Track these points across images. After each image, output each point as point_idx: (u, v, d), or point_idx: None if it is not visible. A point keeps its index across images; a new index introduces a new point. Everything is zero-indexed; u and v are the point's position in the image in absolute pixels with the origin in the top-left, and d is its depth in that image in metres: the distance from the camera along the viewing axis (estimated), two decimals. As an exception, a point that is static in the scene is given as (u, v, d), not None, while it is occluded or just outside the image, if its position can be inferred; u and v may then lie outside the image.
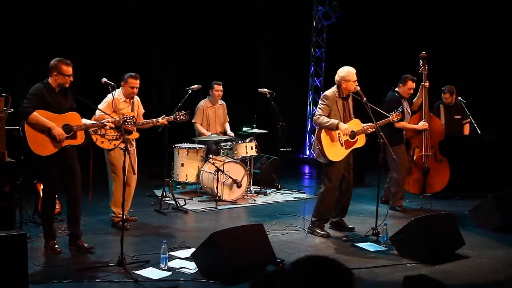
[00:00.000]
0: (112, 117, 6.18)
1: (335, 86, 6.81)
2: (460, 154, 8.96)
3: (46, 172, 5.87)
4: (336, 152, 6.71)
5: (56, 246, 5.89)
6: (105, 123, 6.10)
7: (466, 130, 9.41)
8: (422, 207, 8.31)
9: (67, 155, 5.85)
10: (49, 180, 5.91)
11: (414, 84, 8.10)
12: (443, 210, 7.62)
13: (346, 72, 6.74)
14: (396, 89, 8.20)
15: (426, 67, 8.10)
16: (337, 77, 6.79)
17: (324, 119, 6.67)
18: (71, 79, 5.80)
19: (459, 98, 9.38)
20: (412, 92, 8.15)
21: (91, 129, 6.24)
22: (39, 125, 5.62)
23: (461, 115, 9.38)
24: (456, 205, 8.59)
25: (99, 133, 6.39)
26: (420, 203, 8.40)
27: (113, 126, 6.19)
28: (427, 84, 8.12)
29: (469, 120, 9.34)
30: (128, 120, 6.35)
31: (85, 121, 6.01)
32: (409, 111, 8.22)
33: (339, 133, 6.70)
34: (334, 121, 6.62)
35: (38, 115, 5.62)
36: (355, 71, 6.75)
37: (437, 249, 5.95)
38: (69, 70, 5.78)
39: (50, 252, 5.83)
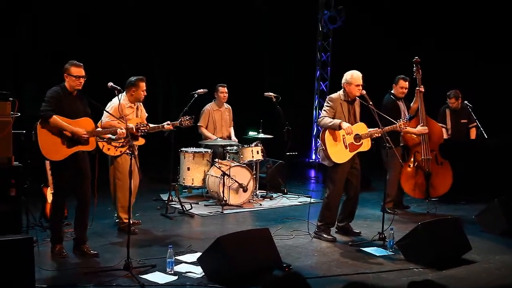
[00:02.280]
0: (124, 123, 6.11)
1: (342, 89, 6.83)
2: (466, 158, 8.94)
3: (58, 177, 5.88)
4: (340, 154, 6.71)
5: (63, 250, 5.90)
6: (118, 130, 6.10)
7: (473, 134, 9.40)
8: (428, 212, 8.29)
9: (79, 161, 5.85)
10: (60, 185, 5.90)
11: (406, 83, 8.17)
12: (449, 215, 7.61)
13: (350, 75, 6.77)
14: (392, 91, 8.25)
15: (420, 72, 8.15)
16: (342, 80, 6.83)
17: (327, 119, 6.69)
18: (81, 81, 5.77)
19: (465, 102, 9.36)
20: (405, 91, 8.22)
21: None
22: (58, 128, 5.64)
23: (467, 119, 9.36)
24: (463, 209, 8.56)
25: (105, 139, 6.38)
26: (426, 208, 8.39)
27: (125, 134, 6.17)
28: (422, 88, 8.17)
29: (475, 124, 9.32)
30: (141, 128, 6.35)
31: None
32: (407, 113, 8.25)
33: (343, 135, 6.70)
34: (337, 120, 6.64)
35: (58, 119, 5.64)
36: (360, 76, 6.74)
37: (443, 253, 5.93)
38: (78, 71, 5.76)
39: (56, 257, 5.82)
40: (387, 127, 6.96)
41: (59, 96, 5.72)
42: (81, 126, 5.79)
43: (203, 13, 11.72)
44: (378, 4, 12.60)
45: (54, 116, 5.63)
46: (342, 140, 6.71)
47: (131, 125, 6.38)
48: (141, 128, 6.38)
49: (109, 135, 6.22)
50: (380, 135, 6.82)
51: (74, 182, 5.91)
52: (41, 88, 9.70)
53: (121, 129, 6.15)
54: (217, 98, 9.44)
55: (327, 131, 6.72)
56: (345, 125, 6.61)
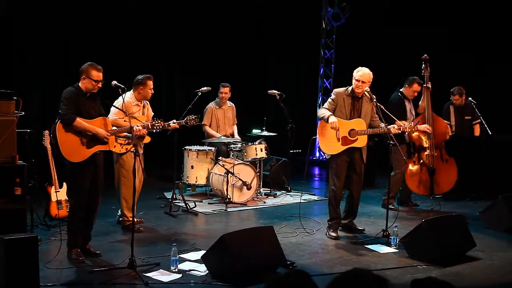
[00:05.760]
0: (130, 121, 6.08)
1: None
2: (471, 155, 8.93)
3: (77, 179, 5.75)
4: (330, 146, 6.74)
5: (81, 255, 5.76)
6: (135, 127, 6.03)
7: (477, 130, 9.38)
8: (432, 209, 8.29)
9: (96, 162, 5.81)
10: (79, 187, 5.77)
11: (420, 87, 8.18)
12: (453, 212, 7.60)
13: (357, 70, 6.77)
14: (401, 89, 8.26)
15: (428, 69, 8.16)
16: None
17: (322, 110, 6.78)
18: (100, 85, 5.72)
19: (469, 98, 9.35)
20: (416, 94, 8.25)
21: None
22: (79, 130, 5.61)
23: (472, 116, 9.35)
24: (467, 206, 8.57)
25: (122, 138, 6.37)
26: (430, 205, 8.38)
27: (141, 131, 6.19)
28: (429, 85, 8.16)
29: (479, 120, 9.31)
30: (156, 124, 6.34)
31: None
32: (413, 111, 8.30)
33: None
34: (326, 113, 6.66)
35: (81, 121, 5.61)
36: (366, 73, 6.69)
37: (448, 250, 5.93)
38: (99, 75, 5.69)
39: (73, 261, 5.68)
40: (392, 129, 6.84)
41: (75, 97, 5.66)
42: (98, 126, 5.76)
43: (208, 11, 11.70)
44: (381, 0, 12.57)
45: (78, 119, 5.58)
46: (335, 132, 6.69)
47: (146, 122, 6.37)
48: (156, 124, 6.36)
49: (125, 133, 6.20)
50: (385, 132, 6.79)
51: (90, 182, 5.84)
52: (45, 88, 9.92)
53: (138, 126, 6.13)
54: (219, 97, 9.45)
55: (321, 122, 6.81)
56: (331, 119, 6.59)
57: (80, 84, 5.73)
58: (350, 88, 6.81)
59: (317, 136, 6.86)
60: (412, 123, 7.23)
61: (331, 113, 6.66)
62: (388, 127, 6.78)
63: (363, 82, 6.67)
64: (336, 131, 6.65)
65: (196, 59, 11.75)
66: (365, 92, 6.74)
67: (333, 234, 6.82)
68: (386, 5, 12.40)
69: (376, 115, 6.90)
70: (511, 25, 11.31)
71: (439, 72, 9.25)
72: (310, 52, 13.22)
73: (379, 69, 9.97)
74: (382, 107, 6.80)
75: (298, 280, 2.57)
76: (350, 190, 7.01)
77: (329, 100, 6.86)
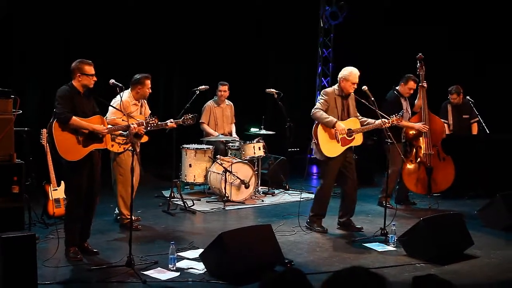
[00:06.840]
0: (127, 121, 6.08)
1: (337, 84, 6.86)
2: (469, 154, 8.94)
3: (74, 177, 5.75)
4: (331, 148, 6.76)
5: (79, 253, 5.76)
6: (131, 125, 6.00)
7: (474, 129, 9.39)
8: (430, 207, 8.30)
9: (93, 160, 5.81)
10: (76, 185, 5.77)
11: (415, 85, 8.18)
12: (451, 210, 7.61)
13: (349, 72, 6.81)
14: (397, 87, 8.26)
15: (423, 68, 8.17)
16: (339, 75, 6.85)
17: (322, 114, 6.73)
18: (95, 79, 5.74)
19: (467, 97, 9.36)
20: (412, 92, 8.24)
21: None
22: (75, 128, 5.60)
23: (469, 115, 9.35)
24: (465, 204, 8.57)
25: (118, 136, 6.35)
26: (428, 203, 8.39)
27: (137, 129, 6.15)
28: (425, 84, 8.18)
29: (477, 119, 9.32)
30: (150, 122, 6.33)
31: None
32: (409, 110, 8.29)
33: (336, 130, 6.72)
34: (332, 119, 6.67)
35: (77, 119, 5.60)
36: (358, 73, 6.77)
37: (445, 249, 5.93)
38: (91, 69, 5.72)
39: (71, 260, 5.66)
40: (377, 122, 6.86)
41: (70, 96, 5.65)
42: (94, 124, 5.76)
43: (208, 11, 11.66)
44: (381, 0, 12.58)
45: (74, 117, 5.57)
46: (335, 135, 6.72)
47: (141, 120, 6.36)
48: (150, 122, 6.35)
49: (121, 132, 6.20)
50: (381, 128, 6.82)
51: (87, 181, 5.84)
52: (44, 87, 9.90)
53: (133, 124, 6.13)
54: (217, 96, 9.45)
55: (320, 126, 6.78)
56: (339, 126, 6.65)
57: (74, 82, 5.73)
58: (336, 87, 6.87)
59: (316, 139, 6.80)
60: (398, 115, 7.17)
61: (336, 119, 6.69)
62: (378, 121, 6.85)
63: (356, 82, 6.76)
64: (335, 133, 6.68)
65: (196, 59, 11.71)
66: (367, 92, 6.80)
67: (319, 228, 6.92)
68: (386, 5, 12.40)
69: (357, 113, 7.00)
70: (511, 25, 11.31)
71: (439, 72, 9.26)
72: (309, 51, 13.20)
73: (378, 68, 10.01)
74: (376, 109, 6.81)
75: (293, 278, 2.57)
76: (345, 189, 7.03)
77: (321, 101, 6.85)
